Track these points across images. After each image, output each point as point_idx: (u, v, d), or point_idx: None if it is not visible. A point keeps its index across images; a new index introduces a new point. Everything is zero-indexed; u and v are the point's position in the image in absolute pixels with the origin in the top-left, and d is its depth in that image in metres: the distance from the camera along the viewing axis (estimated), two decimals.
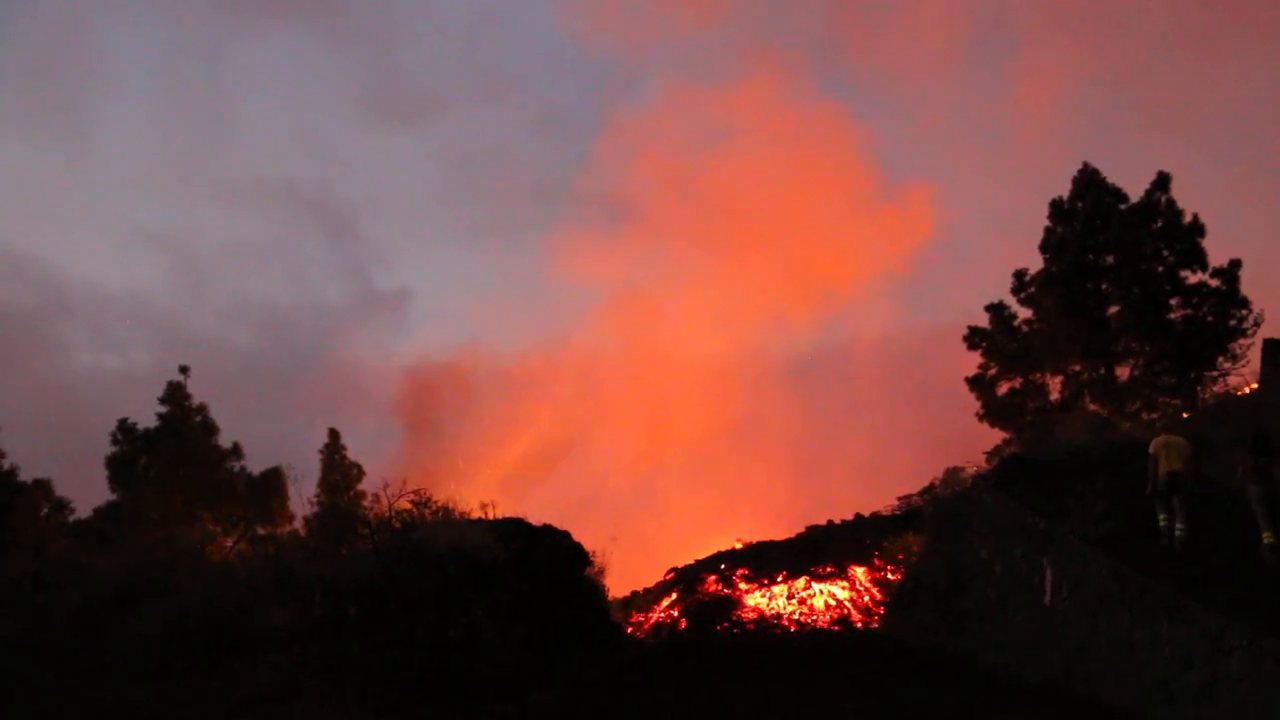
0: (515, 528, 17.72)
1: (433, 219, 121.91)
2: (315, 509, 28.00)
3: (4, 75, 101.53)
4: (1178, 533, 13.93)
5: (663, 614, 32.85)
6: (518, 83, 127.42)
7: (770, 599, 31.83)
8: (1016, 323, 30.91)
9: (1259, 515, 12.78)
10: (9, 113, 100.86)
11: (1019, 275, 30.81)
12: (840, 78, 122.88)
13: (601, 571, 20.86)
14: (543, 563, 17.37)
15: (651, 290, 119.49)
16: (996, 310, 31.23)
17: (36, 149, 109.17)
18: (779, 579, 32.75)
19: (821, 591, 31.69)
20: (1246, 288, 28.26)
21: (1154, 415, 27.24)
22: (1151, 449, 14.70)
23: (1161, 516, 14.38)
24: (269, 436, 56.91)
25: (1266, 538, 12.68)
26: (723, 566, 34.99)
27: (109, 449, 27.62)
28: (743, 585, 33.12)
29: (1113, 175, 29.63)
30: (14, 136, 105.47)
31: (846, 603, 31.02)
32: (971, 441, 31.67)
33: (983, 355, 31.28)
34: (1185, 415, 25.56)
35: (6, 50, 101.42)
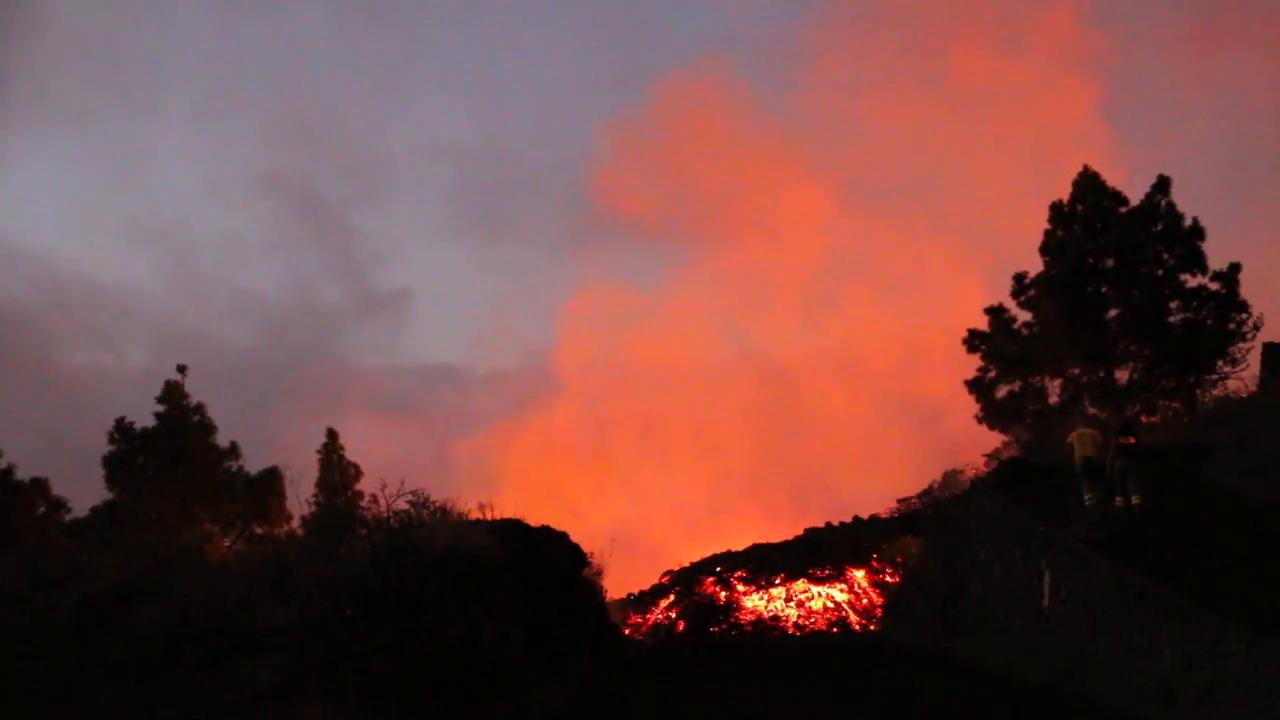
0: (513, 528, 17.68)
1: (435, 216, 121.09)
2: (313, 509, 27.93)
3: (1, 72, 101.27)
4: (1087, 501, 16.33)
5: (661, 615, 32.82)
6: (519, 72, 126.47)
7: (768, 601, 31.78)
8: (1016, 325, 30.85)
9: (1119, 484, 15.77)
10: (4, 108, 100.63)
11: (1018, 278, 30.74)
12: None
13: (599, 573, 20.84)
14: (541, 563, 17.33)
15: (652, 291, 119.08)
16: (996, 313, 31.14)
17: (33, 145, 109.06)
18: (777, 581, 32.70)
19: (820, 594, 31.65)
20: (1246, 291, 28.30)
21: (1154, 419, 27.25)
22: (1069, 439, 17.08)
23: (1086, 497, 16.38)
24: (267, 436, 56.86)
25: (1121, 501, 15.71)
26: (719, 569, 34.92)
27: (106, 448, 27.62)
28: (740, 587, 33.06)
29: (1112, 178, 29.73)
30: (10, 132, 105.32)
31: (845, 605, 31.00)
32: (970, 444, 31.68)
33: (982, 358, 31.23)
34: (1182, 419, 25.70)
35: (4, 49, 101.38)
